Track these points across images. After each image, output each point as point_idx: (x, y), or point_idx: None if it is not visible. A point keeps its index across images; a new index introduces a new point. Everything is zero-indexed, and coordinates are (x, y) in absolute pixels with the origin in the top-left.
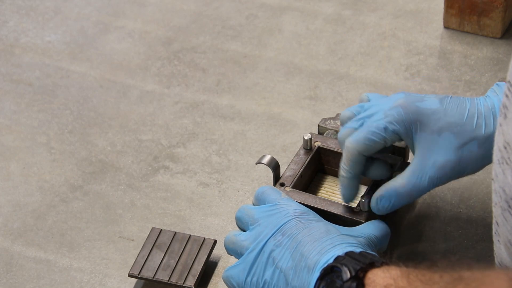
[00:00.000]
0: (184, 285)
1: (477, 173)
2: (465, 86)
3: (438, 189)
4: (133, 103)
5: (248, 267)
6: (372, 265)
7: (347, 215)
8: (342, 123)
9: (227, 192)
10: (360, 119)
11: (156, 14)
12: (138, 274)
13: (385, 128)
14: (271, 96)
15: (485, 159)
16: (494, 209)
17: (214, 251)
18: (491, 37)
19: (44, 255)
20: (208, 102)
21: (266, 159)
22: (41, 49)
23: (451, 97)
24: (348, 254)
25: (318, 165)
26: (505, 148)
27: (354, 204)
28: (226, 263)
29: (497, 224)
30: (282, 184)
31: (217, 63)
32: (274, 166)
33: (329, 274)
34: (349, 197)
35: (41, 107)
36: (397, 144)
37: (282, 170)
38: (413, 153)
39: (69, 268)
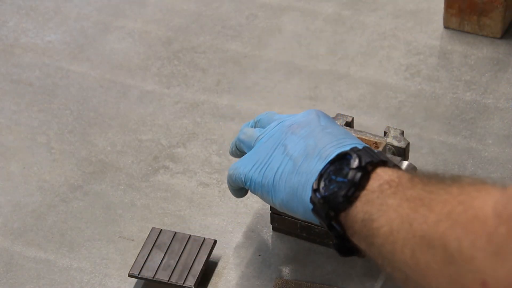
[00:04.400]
0: (184, 285)
1: (477, 173)
2: (465, 86)
3: None
4: (133, 103)
5: (256, 155)
6: (384, 164)
7: None
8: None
9: (227, 192)
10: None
11: (156, 14)
12: (138, 274)
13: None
14: (271, 96)
15: None
16: None
17: (214, 251)
18: (491, 37)
19: (44, 255)
20: (208, 102)
21: None
22: (41, 49)
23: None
24: (366, 149)
25: None
26: None
27: None
28: (226, 263)
29: None
30: None
31: (217, 63)
32: None
33: (340, 160)
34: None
35: (41, 107)
36: (396, 144)
37: None
38: None
39: (69, 268)
